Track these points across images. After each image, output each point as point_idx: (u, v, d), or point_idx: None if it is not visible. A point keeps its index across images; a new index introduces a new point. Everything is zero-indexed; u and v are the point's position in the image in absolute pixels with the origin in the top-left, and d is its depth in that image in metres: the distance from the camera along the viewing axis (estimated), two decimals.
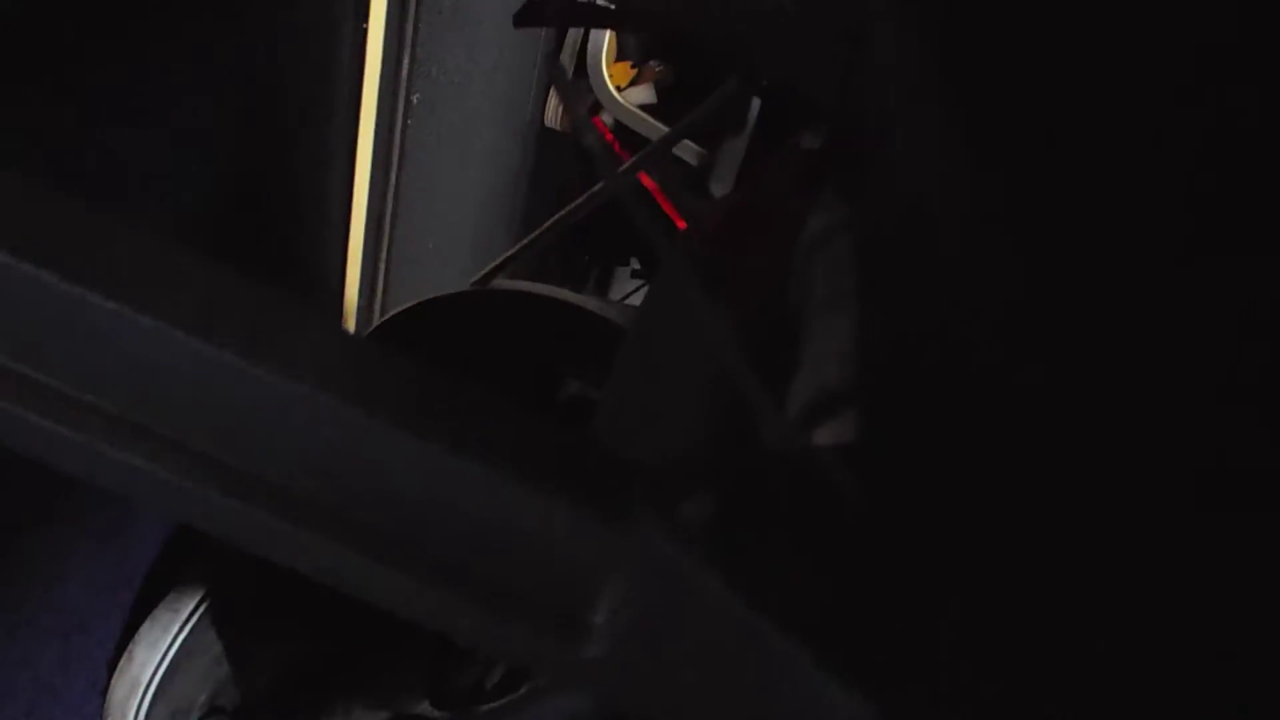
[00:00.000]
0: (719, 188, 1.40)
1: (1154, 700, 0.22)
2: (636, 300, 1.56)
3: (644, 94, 1.48)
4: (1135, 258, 0.23)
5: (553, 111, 1.57)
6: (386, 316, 0.85)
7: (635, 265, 1.77)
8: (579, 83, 1.43)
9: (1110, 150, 0.24)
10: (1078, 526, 0.24)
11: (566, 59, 1.49)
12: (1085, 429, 0.24)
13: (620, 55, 1.50)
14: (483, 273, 0.85)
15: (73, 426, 0.24)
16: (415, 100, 1.07)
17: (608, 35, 1.46)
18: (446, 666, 0.74)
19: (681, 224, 1.29)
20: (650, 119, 1.44)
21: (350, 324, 1.12)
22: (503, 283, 0.84)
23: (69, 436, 0.25)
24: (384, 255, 1.13)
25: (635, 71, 1.50)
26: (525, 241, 0.87)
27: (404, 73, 1.04)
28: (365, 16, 0.95)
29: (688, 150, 1.44)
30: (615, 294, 1.84)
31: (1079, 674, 0.24)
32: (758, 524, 0.28)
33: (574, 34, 1.50)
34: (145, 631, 0.71)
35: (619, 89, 1.47)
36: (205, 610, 0.73)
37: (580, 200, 0.79)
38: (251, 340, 0.24)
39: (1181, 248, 0.21)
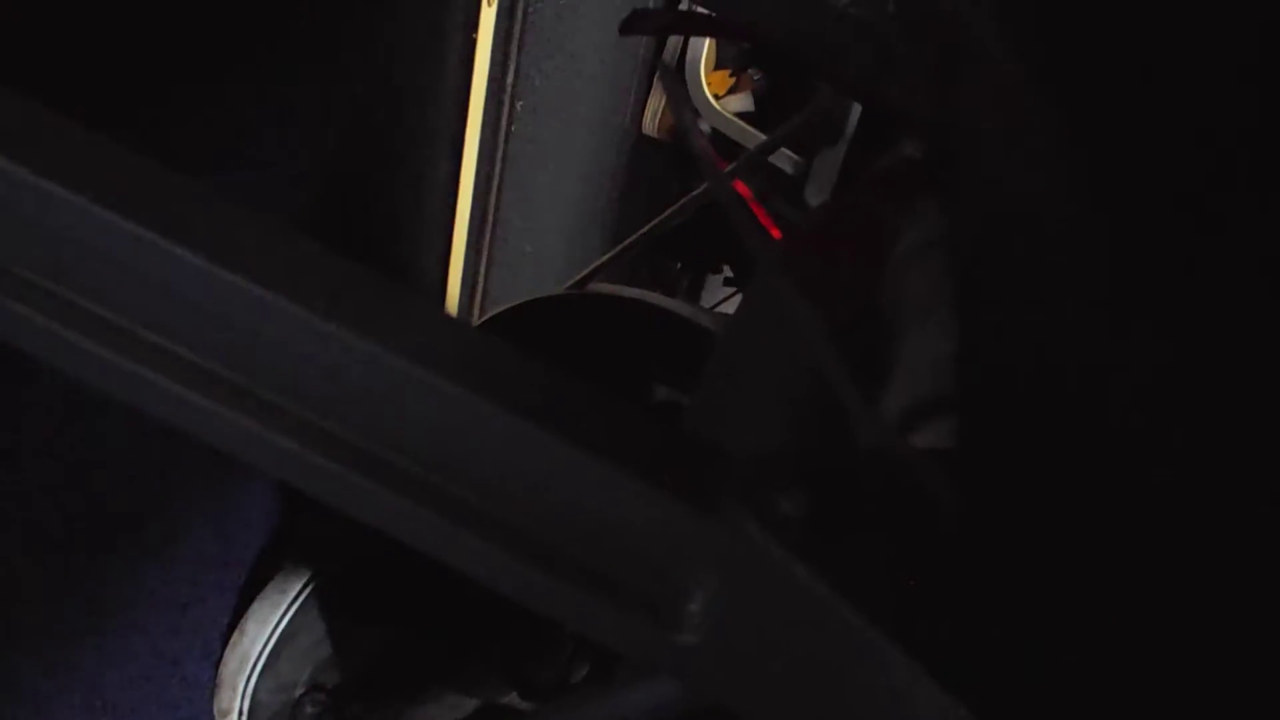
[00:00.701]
0: (815, 196, 1.40)
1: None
2: (728, 308, 1.56)
3: (742, 102, 1.49)
4: (1243, 271, 0.22)
5: (650, 119, 1.59)
6: (485, 317, 0.87)
7: (727, 273, 1.77)
8: (680, 87, 1.44)
9: (1224, 155, 0.24)
10: (1178, 545, 0.24)
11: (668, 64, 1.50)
12: (1191, 444, 0.23)
13: (719, 64, 1.51)
14: (579, 276, 0.86)
15: (218, 401, 0.27)
16: (519, 107, 1.10)
17: (707, 43, 1.47)
18: (534, 660, 0.75)
19: (776, 232, 1.29)
20: (748, 127, 1.44)
21: None
22: (599, 286, 0.85)
23: (208, 408, 0.27)
24: (484, 258, 1.16)
25: (734, 80, 1.50)
26: (622, 246, 0.88)
27: (509, 80, 1.07)
28: (475, 27, 0.98)
29: (785, 158, 1.44)
30: (706, 302, 1.85)
31: (1176, 691, 0.24)
32: (853, 523, 0.28)
33: (673, 42, 1.51)
34: (256, 609, 0.74)
35: (717, 97, 1.48)
36: (311, 592, 0.76)
37: (679, 204, 0.80)
38: (379, 327, 0.25)
39: None
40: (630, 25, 0.64)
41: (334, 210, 0.86)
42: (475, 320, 1.13)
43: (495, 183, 1.12)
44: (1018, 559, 0.30)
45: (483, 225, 1.14)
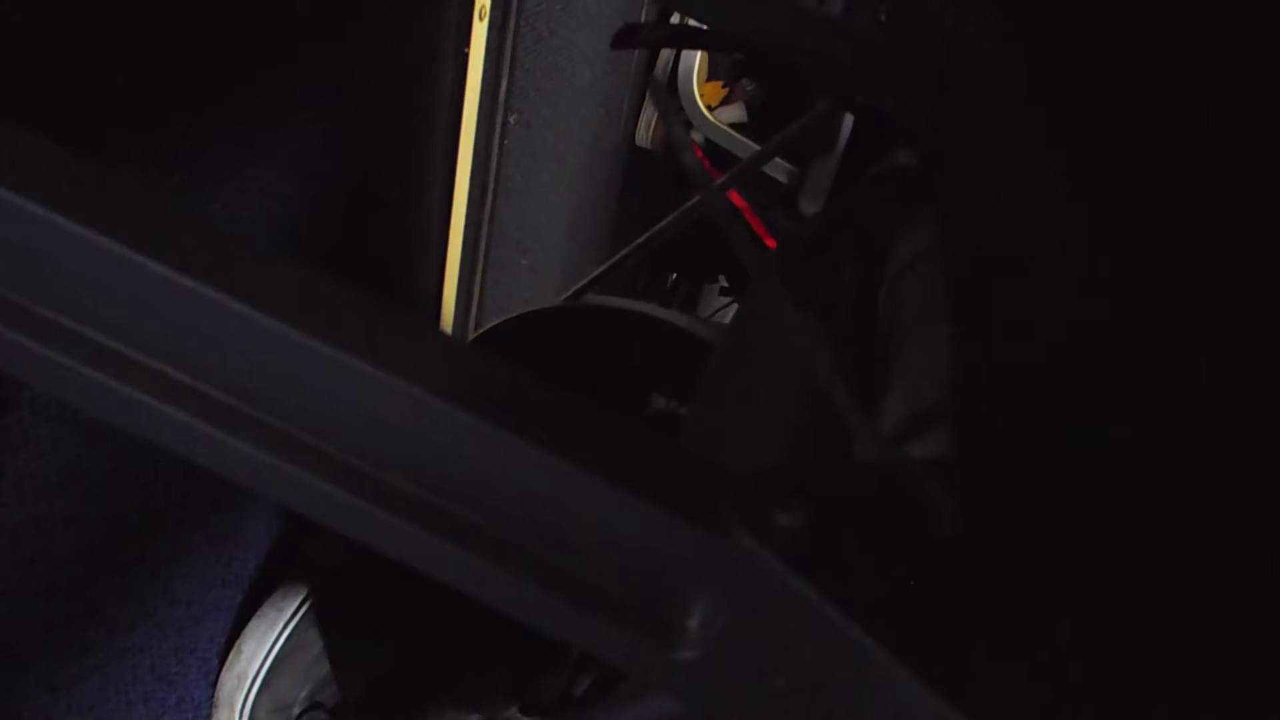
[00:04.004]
0: (810, 205, 1.40)
1: None
2: (724, 318, 1.57)
3: (735, 113, 1.49)
4: (1233, 281, 0.23)
5: (644, 131, 1.59)
6: (481, 330, 0.87)
7: (723, 283, 1.77)
8: (671, 101, 1.45)
9: (1208, 165, 0.24)
10: (1182, 551, 0.24)
11: (659, 79, 1.51)
12: (1185, 452, 0.24)
13: (712, 75, 1.51)
14: (574, 288, 0.87)
15: (208, 420, 0.26)
16: (512, 121, 1.10)
17: (699, 55, 1.48)
18: (535, 674, 0.75)
19: (771, 242, 1.30)
20: (741, 137, 1.45)
21: None
22: (594, 298, 0.85)
23: (205, 432, 0.27)
24: (479, 271, 1.17)
25: (726, 91, 1.51)
26: (617, 258, 0.88)
27: (502, 95, 1.07)
28: (467, 41, 0.98)
29: (779, 168, 1.44)
30: (702, 311, 1.85)
31: (1188, 702, 0.24)
32: (851, 536, 0.28)
33: (666, 54, 1.52)
34: (253, 628, 0.74)
35: (710, 108, 1.48)
36: (308, 610, 0.76)
37: (673, 216, 0.80)
38: (372, 347, 0.25)
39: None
40: (622, 39, 0.65)
41: (330, 225, 0.86)
42: (471, 333, 1.13)
43: (490, 196, 1.13)
44: (1018, 568, 0.30)
45: (478, 238, 1.14)
